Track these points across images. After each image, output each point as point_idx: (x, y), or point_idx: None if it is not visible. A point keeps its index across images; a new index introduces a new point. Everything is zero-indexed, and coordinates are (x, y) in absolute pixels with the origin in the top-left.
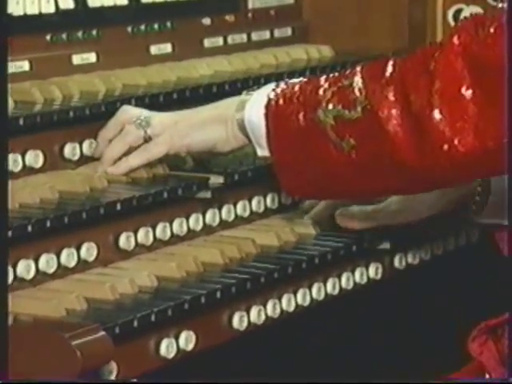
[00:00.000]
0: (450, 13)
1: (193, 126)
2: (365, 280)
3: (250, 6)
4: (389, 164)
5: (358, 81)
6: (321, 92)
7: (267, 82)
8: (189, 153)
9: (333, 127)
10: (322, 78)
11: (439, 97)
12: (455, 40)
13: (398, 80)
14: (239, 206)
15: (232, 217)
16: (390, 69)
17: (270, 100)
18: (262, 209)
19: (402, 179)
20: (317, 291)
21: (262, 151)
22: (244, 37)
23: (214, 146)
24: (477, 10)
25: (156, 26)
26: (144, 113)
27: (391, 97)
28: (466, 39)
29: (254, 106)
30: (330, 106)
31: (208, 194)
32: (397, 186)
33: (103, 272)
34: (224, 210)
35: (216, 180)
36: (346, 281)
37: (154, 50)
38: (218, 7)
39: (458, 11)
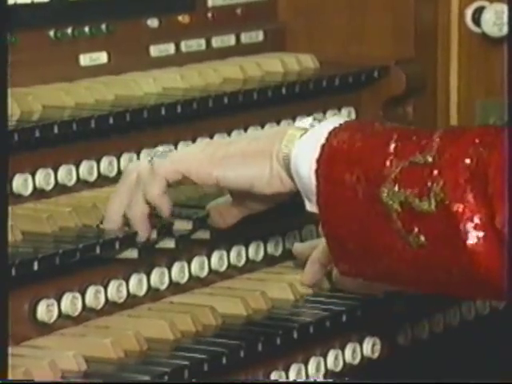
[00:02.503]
0: (469, 13)
1: (229, 156)
2: (358, 359)
3: (210, 3)
4: (463, 274)
5: (435, 161)
6: (387, 163)
7: (231, 101)
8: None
9: (398, 214)
10: (392, 138)
11: None
12: None
13: (482, 178)
14: (194, 263)
15: (185, 277)
16: (474, 155)
17: (322, 153)
18: (223, 267)
19: (476, 291)
20: (296, 373)
21: (312, 206)
22: (202, 43)
23: (251, 185)
24: (502, 7)
25: (87, 30)
26: (161, 148)
27: (472, 198)
28: None
29: (304, 152)
30: (397, 188)
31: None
32: (468, 294)
33: (16, 352)
34: (174, 268)
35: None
36: (334, 360)
37: (85, 60)
38: (167, 5)
39: (479, 10)
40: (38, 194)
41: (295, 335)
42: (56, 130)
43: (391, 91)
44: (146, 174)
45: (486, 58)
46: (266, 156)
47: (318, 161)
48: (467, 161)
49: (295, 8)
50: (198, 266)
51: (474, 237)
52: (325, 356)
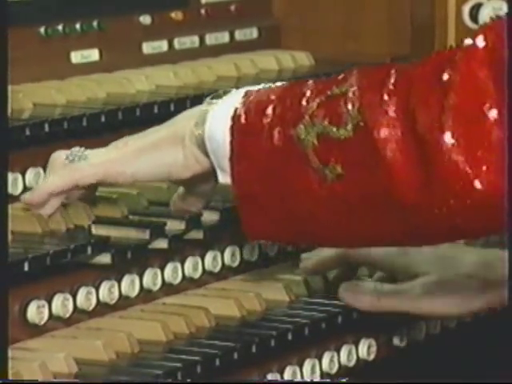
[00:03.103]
0: (466, 9)
1: (140, 149)
2: (353, 361)
3: (204, 0)
4: (383, 201)
5: (351, 89)
6: (304, 102)
7: None
8: (135, 183)
9: (315, 148)
10: (309, 83)
11: (454, 116)
12: (480, 42)
13: (403, 92)
14: (188, 263)
15: (178, 278)
16: (393, 77)
17: (237, 110)
18: (218, 267)
19: (400, 223)
20: (291, 376)
21: (225, 176)
22: (195, 40)
23: (168, 173)
24: (500, 4)
25: (78, 26)
26: (77, 148)
27: (391, 113)
28: (495, 42)
29: (218, 116)
30: (314, 121)
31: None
32: (393, 232)
33: None
34: (167, 269)
35: (175, 226)
36: (329, 362)
37: (76, 57)
38: (160, 1)
39: (477, 7)
40: None
41: (290, 337)
42: (47, 129)
43: None
44: (59, 166)
45: None
46: (177, 139)
47: (233, 117)
48: (385, 81)
49: (290, 5)
50: (192, 266)
51: (391, 150)
52: (320, 358)
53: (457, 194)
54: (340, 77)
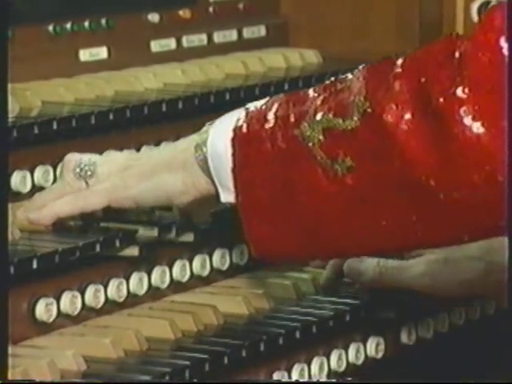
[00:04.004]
0: (475, 7)
1: (141, 174)
2: (362, 359)
3: None
4: (398, 187)
5: (357, 81)
6: (308, 102)
7: (233, 97)
8: (138, 207)
9: (321, 144)
10: (311, 89)
11: (472, 87)
12: (497, 14)
13: (411, 73)
14: (196, 261)
15: (186, 276)
16: (399, 62)
17: (239, 121)
18: (226, 265)
19: (418, 210)
20: (299, 374)
21: (227, 194)
22: (203, 38)
23: (167, 198)
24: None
25: (86, 24)
26: (87, 159)
27: (400, 94)
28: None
29: (219, 131)
30: (318, 116)
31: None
32: (411, 223)
33: (14, 352)
34: (176, 267)
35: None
36: (337, 360)
37: (84, 55)
38: (169, 0)
39: (485, 5)
40: (37, 191)
41: (298, 335)
42: (55, 127)
43: None
44: (68, 180)
45: None
46: (179, 165)
47: (234, 129)
48: (391, 66)
49: (298, 2)
50: (200, 264)
51: (402, 132)
52: (328, 356)
53: (479, 168)
54: (344, 76)
